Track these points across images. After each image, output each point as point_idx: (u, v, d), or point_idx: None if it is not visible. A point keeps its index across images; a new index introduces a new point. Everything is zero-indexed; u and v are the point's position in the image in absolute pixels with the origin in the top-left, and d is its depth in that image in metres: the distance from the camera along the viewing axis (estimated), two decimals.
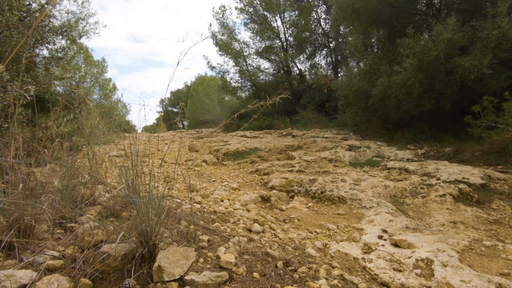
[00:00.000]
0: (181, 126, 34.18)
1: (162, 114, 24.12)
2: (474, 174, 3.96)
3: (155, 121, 26.49)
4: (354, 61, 9.95)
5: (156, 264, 1.38)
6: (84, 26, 8.64)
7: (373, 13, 7.10)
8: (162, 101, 32.88)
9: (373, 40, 7.53)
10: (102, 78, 16.33)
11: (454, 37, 5.42)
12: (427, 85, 6.03)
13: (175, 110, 32.18)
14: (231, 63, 15.47)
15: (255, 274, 1.53)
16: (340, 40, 12.56)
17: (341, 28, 10.72)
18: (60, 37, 5.71)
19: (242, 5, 14.35)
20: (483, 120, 4.64)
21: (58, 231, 1.81)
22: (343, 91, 7.90)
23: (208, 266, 1.53)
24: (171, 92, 31.69)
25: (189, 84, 27.59)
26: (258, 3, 14.08)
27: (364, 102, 7.48)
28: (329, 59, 14.82)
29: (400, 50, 6.14)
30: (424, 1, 7.58)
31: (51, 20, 5.21)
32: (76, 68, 15.45)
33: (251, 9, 14.35)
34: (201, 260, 1.58)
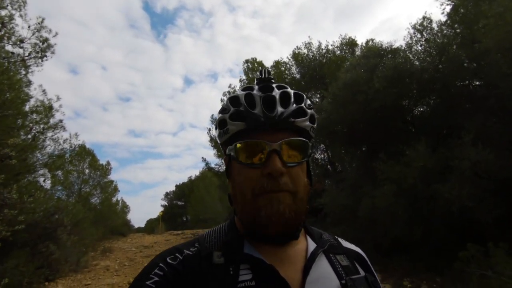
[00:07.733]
0: (185, 219, 33.16)
1: (162, 213, 23.66)
2: None
3: (160, 214, 25.91)
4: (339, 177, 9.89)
5: None
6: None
7: (349, 133, 7.32)
8: (167, 194, 33.01)
9: (352, 158, 7.56)
10: (104, 181, 16.72)
11: (427, 164, 5.29)
12: (412, 211, 5.61)
13: (179, 203, 31.92)
14: None
15: None
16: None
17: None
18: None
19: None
20: (474, 269, 4.01)
21: None
22: (329, 207, 7.54)
23: None
24: (176, 186, 32.10)
25: (192, 178, 28.07)
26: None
27: (353, 221, 6.98)
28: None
29: (378, 174, 6.00)
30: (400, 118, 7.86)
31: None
32: (80, 172, 15.99)
33: None
34: None
